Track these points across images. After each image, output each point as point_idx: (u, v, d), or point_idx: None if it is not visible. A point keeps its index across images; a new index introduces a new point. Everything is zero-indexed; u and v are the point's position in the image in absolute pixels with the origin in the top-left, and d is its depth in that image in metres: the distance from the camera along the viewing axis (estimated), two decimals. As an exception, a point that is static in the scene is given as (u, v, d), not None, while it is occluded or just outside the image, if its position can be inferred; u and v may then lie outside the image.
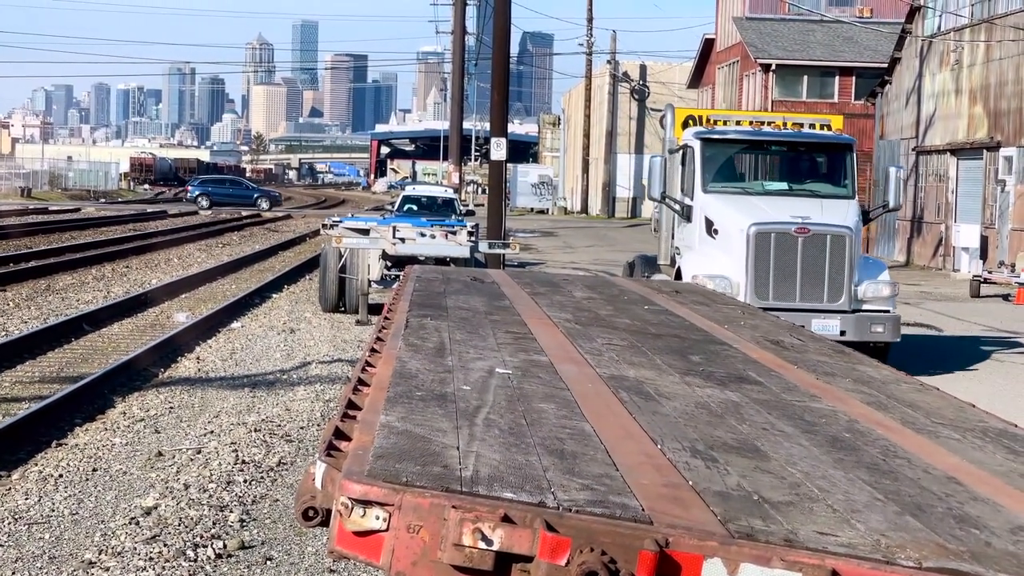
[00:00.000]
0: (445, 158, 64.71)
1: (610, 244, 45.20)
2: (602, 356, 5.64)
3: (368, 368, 4.70)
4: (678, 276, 15.06)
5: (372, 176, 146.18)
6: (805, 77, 54.75)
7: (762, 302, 13.69)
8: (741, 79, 59.61)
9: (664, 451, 3.70)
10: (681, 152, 16.26)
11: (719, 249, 14.89)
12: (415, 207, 32.44)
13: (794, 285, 14.48)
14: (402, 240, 19.59)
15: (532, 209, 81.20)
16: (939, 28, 40.32)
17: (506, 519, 2.76)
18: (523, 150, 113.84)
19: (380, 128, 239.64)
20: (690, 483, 3.31)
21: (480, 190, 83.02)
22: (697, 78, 69.73)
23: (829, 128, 16.90)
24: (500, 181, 27.32)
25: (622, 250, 41.57)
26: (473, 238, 20.09)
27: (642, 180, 70.54)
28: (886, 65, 44.90)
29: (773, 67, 55.16)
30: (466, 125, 64.00)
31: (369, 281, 20.05)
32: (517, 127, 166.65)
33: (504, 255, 24.13)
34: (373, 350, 5.15)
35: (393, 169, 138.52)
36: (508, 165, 31.35)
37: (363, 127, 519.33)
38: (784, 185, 16.06)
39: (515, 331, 6.21)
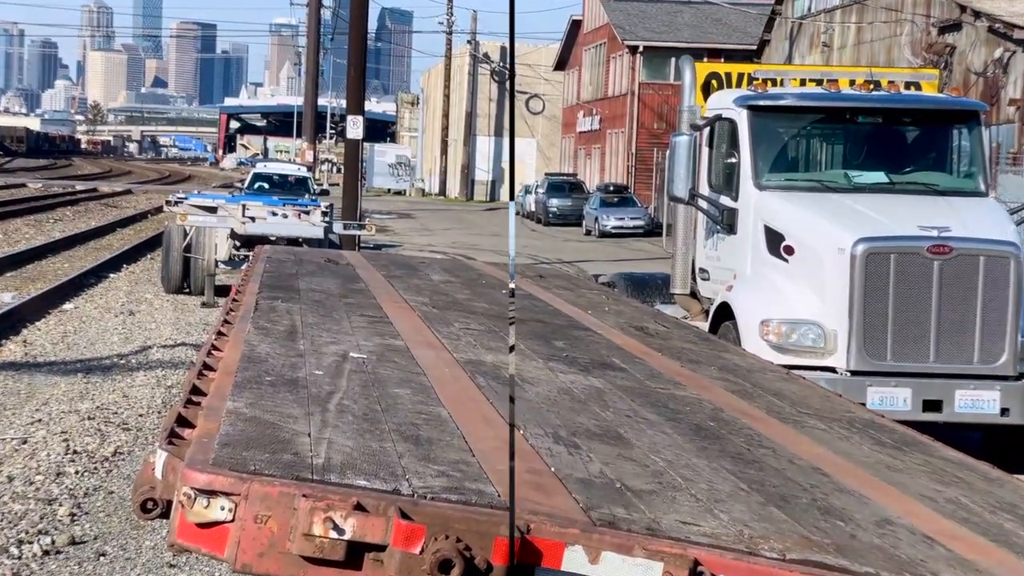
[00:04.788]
0: (299, 135, 64.03)
1: (468, 227, 45.27)
2: (460, 340, 5.59)
3: (214, 352, 4.60)
4: (719, 317, 10.39)
5: (221, 152, 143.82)
6: (673, 59, 54.64)
7: (876, 363, 9.41)
8: (608, 61, 60.02)
9: (526, 437, 3.65)
10: (709, 129, 11.22)
11: (796, 279, 9.91)
12: (266, 185, 31.79)
13: (927, 337, 9.48)
14: (252, 219, 19.20)
15: (389, 190, 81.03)
16: (809, 9, 41.05)
17: (359, 507, 2.70)
18: (380, 129, 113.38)
19: (230, 102, 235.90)
20: (552, 469, 3.29)
21: (335, 169, 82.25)
22: (564, 60, 69.96)
23: (919, 88, 12.05)
24: (356, 160, 27.08)
25: (480, 233, 41.65)
26: (327, 218, 19.81)
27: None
28: (755, 47, 45.56)
29: (640, 49, 55.51)
30: (321, 102, 63.41)
31: (216, 261, 19.62)
32: (375, 105, 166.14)
33: (359, 237, 23.91)
34: (220, 333, 5.05)
35: (243, 145, 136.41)
36: (365, 144, 31.10)
37: (211, 100, 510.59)
38: (881, 176, 10.84)
39: (370, 315, 6.13)
